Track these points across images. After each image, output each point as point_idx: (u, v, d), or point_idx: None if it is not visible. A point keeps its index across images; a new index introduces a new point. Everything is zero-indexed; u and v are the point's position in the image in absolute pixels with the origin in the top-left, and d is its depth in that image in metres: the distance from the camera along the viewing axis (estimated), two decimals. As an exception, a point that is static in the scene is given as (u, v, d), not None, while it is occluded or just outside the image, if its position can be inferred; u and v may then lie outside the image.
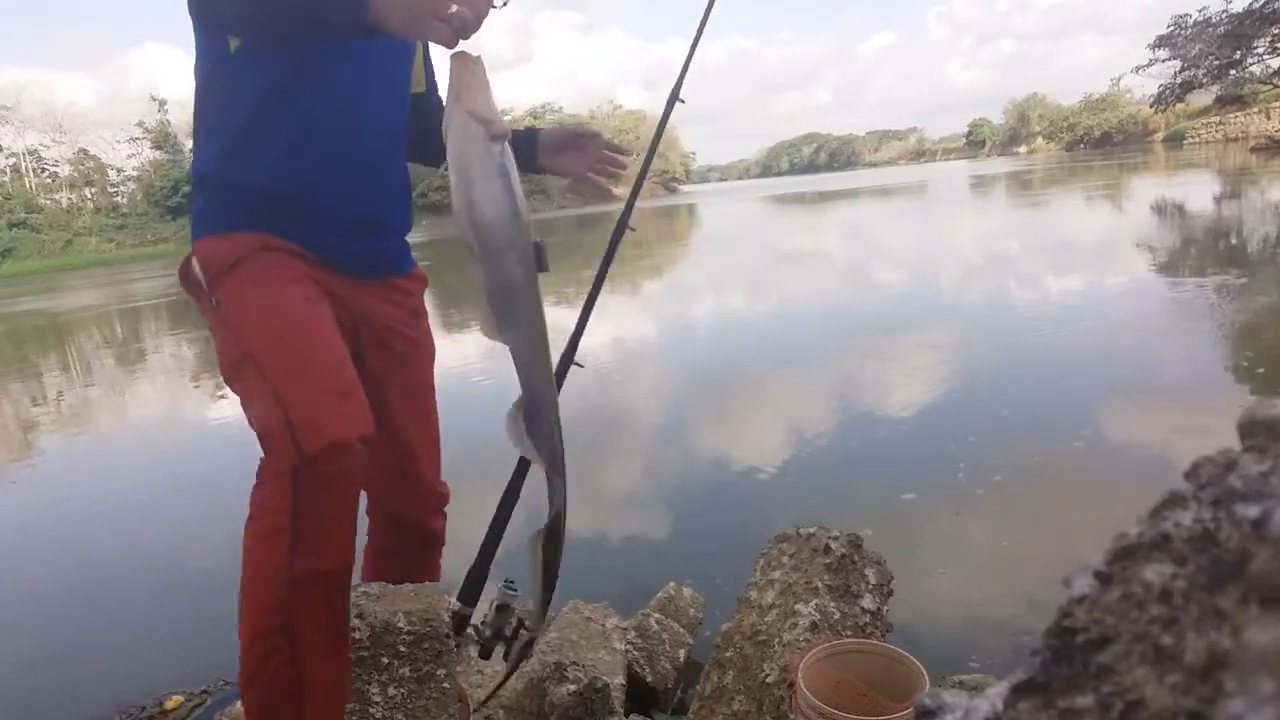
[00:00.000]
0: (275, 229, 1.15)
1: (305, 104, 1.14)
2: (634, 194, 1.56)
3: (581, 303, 1.52)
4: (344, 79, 1.16)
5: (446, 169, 0.93)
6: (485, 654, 1.42)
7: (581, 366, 1.51)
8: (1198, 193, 14.22)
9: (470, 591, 1.42)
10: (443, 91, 1.13)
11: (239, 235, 1.15)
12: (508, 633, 1.38)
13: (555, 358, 1.23)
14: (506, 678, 1.45)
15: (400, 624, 1.40)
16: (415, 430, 1.37)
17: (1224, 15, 41.11)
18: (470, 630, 1.43)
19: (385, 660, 1.37)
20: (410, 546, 1.46)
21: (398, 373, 1.32)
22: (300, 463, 1.02)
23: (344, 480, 1.05)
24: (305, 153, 1.15)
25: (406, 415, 1.34)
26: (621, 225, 1.51)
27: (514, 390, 1.01)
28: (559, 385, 1.42)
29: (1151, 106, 50.75)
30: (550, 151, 1.39)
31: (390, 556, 1.47)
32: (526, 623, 1.36)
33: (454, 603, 1.42)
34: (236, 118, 1.12)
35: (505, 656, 1.43)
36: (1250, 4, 38.92)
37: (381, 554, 1.48)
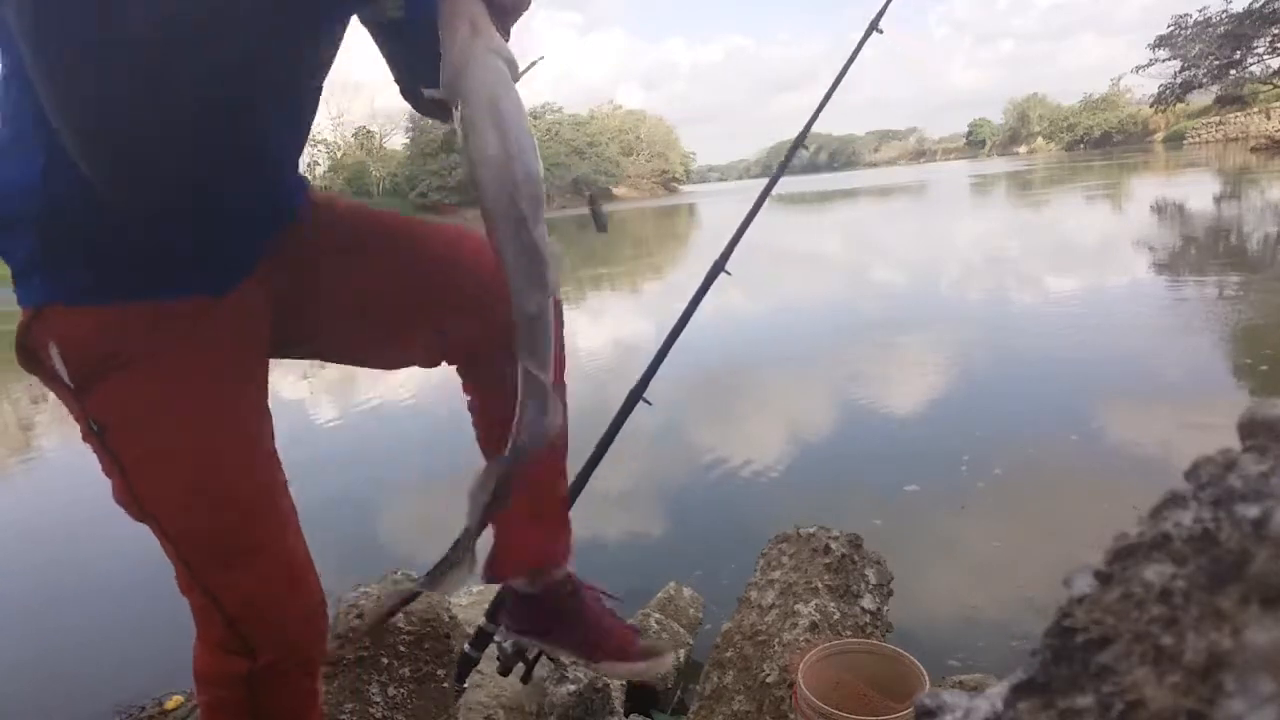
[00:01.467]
0: (155, 284, 0.79)
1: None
2: (738, 234, 1.51)
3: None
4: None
5: (453, 122, 0.73)
6: (504, 671, 1.41)
7: (650, 404, 1.44)
8: (1198, 193, 14.23)
9: (499, 610, 1.40)
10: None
11: (110, 310, 0.78)
12: (530, 655, 1.37)
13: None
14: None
15: (400, 624, 1.40)
16: (416, 263, 0.99)
17: (1224, 15, 41.11)
18: (493, 646, 1.41)
19: (385, 660, 1.38)
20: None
21: (356, 262, 0.97)
22: (257, 668, 0.87)
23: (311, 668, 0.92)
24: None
25: (396, 263, 0.98)
26: (718, 267, 1.48)
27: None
28: (623, 421, 1.40)
29: (1151, 106, 50.77)
30: None
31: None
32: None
33: (481, 620, 1.41)
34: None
35: (524, 678, 1.42)
36: (1250, 4, 38.93)
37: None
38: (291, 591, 0.89)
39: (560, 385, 0.97)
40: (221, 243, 0.85)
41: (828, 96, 1.66)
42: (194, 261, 0.83)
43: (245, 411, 0.88)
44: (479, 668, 1.74)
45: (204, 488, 0.84)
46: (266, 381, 0.94)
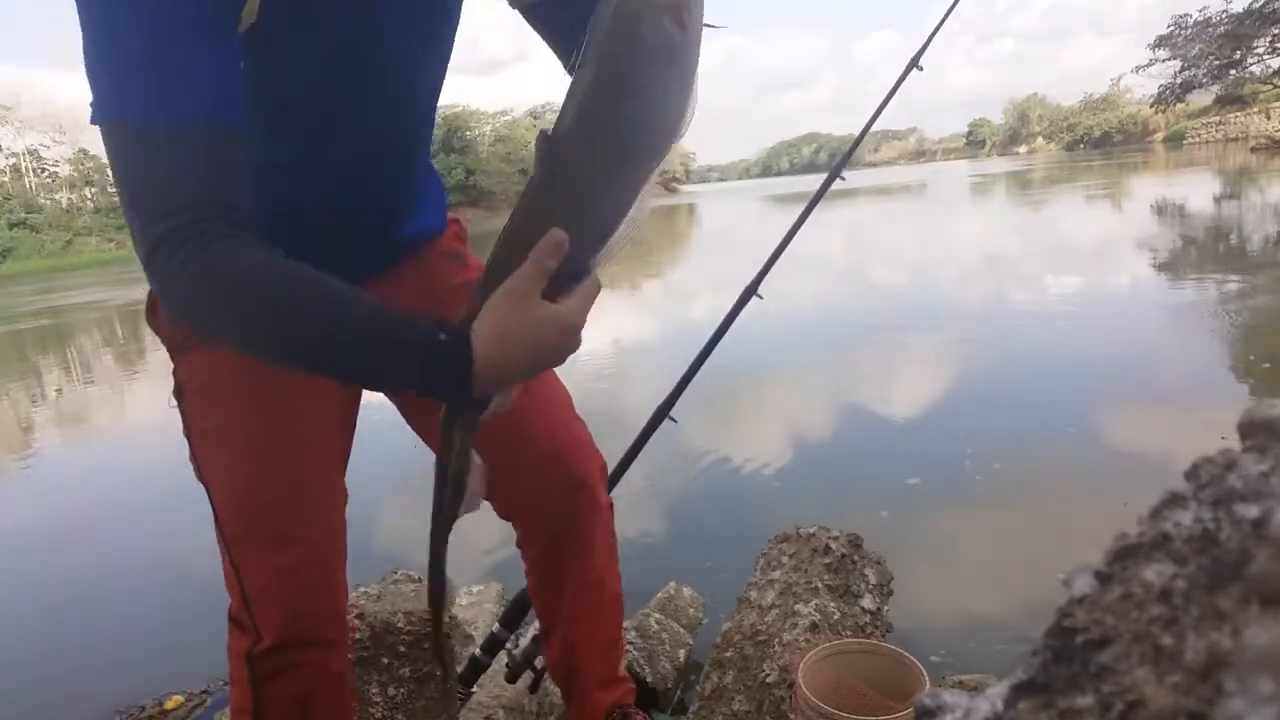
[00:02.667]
0: None
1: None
2: (773, 257, 1.53)
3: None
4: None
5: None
6: (512, 678, 1.41)
7: (675, 421, 1.47)
8: (1197, 193, 14.23)
9: (512, 617, 1.41)
10: None
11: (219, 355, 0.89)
12: (538, 664, 1.37)
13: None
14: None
15: (400, 624, 1.40)
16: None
17: (1224, 15, 41.13)
18: (503, 653, 1.42)
19: (385, 660, 1.38)
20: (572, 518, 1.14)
21: None
22: (256, 651, 0.91)
23: (318, 674, 0.95)
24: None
25: None
26: (750, 290, 1.50)
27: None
28: (647, 438, 1.44)
29: (1151, 106, 50.78)
30: None
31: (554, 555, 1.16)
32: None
33: (495, 626, 1.42)
34: None
35: (531, 687, 1.43)
36: (1250, 4, 38.93)
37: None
38: (311, 590, 0.93)
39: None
40: (342, 257, 0.88)
41: (865, 130, 1.67)
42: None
43: (310, 414, 0.94)
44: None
45: (251, 470, 0.91)
46: (351, 395, 1.02)
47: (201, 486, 0.94)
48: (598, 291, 0.72)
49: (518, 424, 1.01)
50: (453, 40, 0.94)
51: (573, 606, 1.16)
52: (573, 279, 0.72)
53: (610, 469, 1.21)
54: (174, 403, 0.95)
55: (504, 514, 1.14)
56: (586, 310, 0.72)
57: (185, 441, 0.95)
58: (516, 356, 0.69)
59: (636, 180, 0.72)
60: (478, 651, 1.41)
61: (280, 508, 0.91)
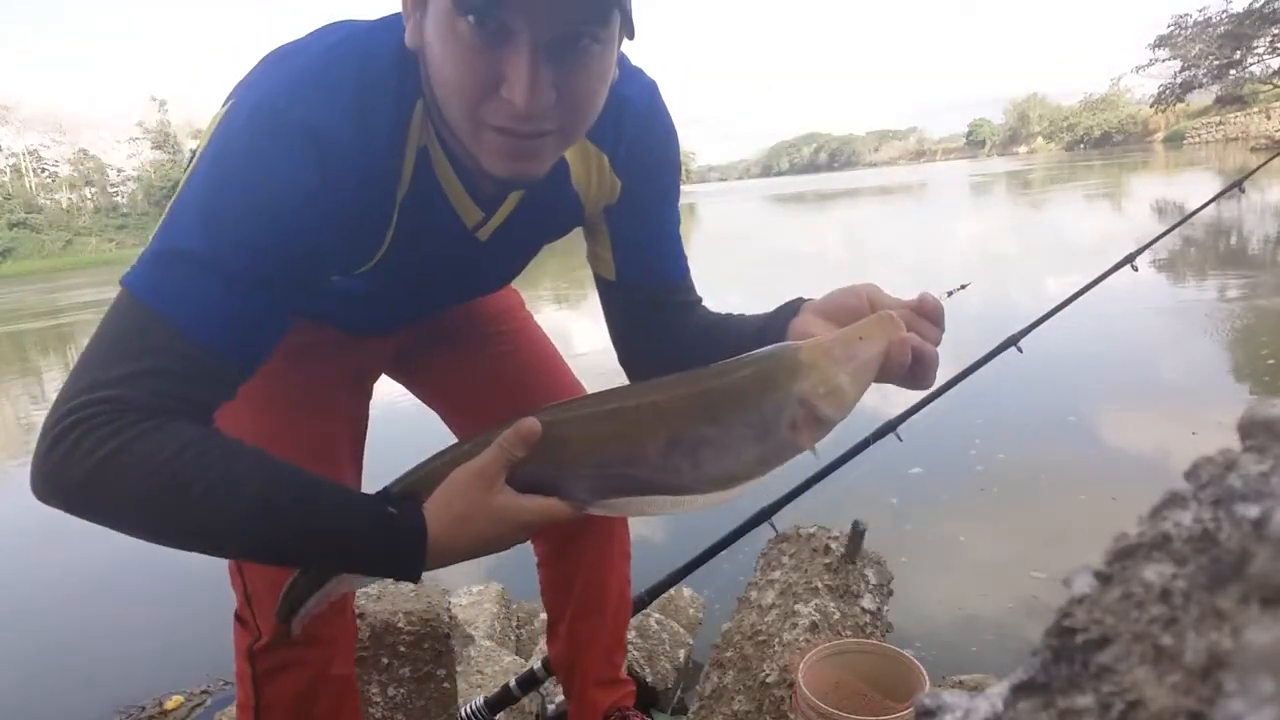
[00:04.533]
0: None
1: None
2: None
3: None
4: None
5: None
6: None
7: (900, 440, 1.49)
8: (1197, 193, 14.22)
9: None
10: (640, 262, 0.90)
11: None
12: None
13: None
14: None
15: (400, 624, 1.40)
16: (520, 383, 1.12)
17: (1224, 15, 41.12)
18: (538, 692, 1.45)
19: (385, 660, 1.38)
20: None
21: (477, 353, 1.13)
22: (256, 647, 0.93)
23: (316, 675, 0.95)
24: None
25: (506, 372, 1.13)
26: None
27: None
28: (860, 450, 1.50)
29: (1151, 106, 50.77)
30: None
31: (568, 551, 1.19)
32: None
33: (536, 664, 1.42)
34: None
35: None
36: (1250, 4, 38.92)
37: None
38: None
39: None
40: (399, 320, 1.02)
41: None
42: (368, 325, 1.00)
43: (321, 419, 0.97)
44: (480, 668, 1.74)
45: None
46: (361, 397, 1.07)
47: None
48: (564, 516, 0.70)
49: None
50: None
51: (579, 603, 1.18)
52: (554, 490, 0.70)
53: None
54: None
55: None
56: (544, 521, 0.70)
57: None
58: (464, 542, 0.68)
59: (669, 487, 0.70)
60: (513, 683, 1.42)
61: None
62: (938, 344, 0.69)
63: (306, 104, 0.65)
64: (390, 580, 1.45)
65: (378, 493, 0.71)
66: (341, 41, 0.70)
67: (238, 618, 0.96)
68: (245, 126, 0.65)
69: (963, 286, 0.81)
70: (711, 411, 0.67)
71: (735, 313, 0.88)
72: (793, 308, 0.78)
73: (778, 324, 0.78)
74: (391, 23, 0.72)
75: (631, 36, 0.69)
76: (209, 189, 0.65)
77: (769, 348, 0.68)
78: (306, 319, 0.95)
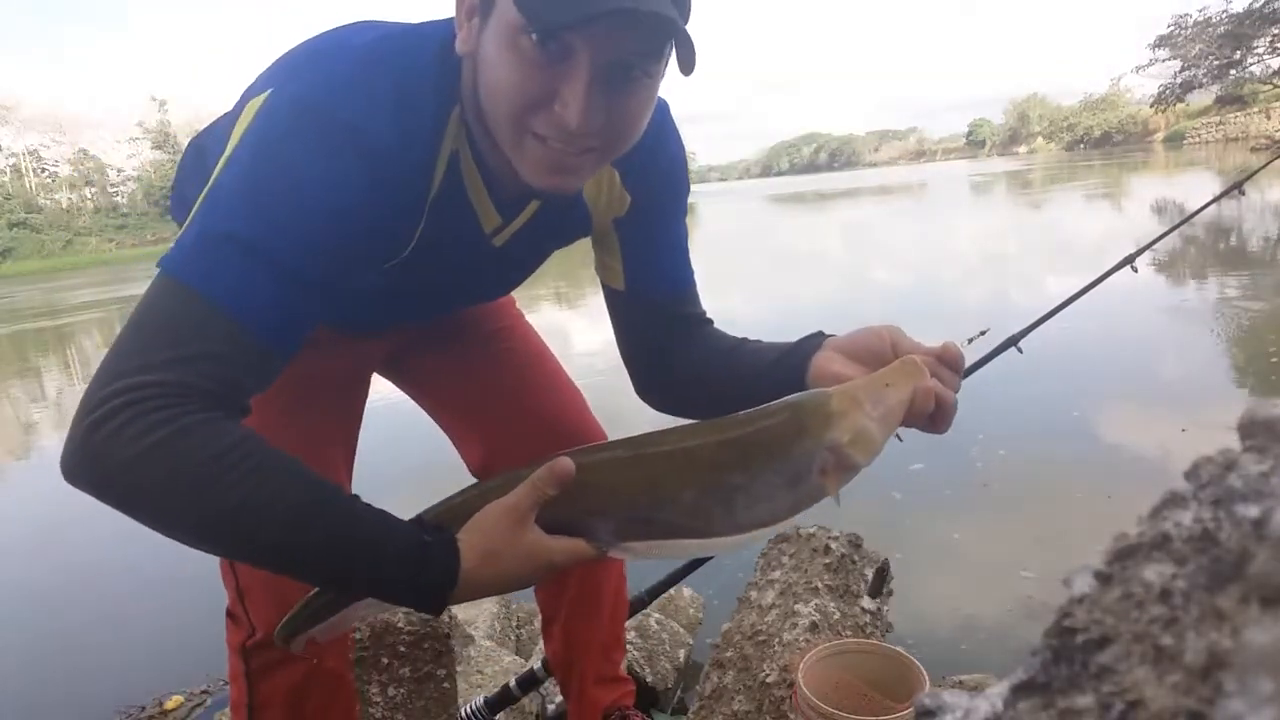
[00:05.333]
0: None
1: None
2: None
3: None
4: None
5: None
6: None
7: (900, 440, 1.53)
8: (1197, 193, 14.22)
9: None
10: (652, 276, 0.92)
11: None
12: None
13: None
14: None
15: (400, 624, 1.40)
16: (516, 381, 1.12)
17: (1224, 15, 41.13)
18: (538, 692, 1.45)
19: (385, 660, 1.38)
20: None
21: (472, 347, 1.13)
22: (250, 644, 0.93)
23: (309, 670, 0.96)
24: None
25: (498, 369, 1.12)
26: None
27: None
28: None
29: (1151, 106, 50.78)
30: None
31: None
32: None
33: (536, 665, 1.42)
34: None
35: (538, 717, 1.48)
36: (1250, 4, 38.93)
37: None
38: (303, 586, 0.92)
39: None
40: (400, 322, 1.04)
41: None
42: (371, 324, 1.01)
43: (315, 418, 0.96)
44: (480, 668, 1.74)
45: None
46: (362, 398, 1.08)
47: None
48: (591, 559, 0.70)
49: (532, 414, 1.10)
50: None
51: (575, 602, 1.18)
52: (579, 531, 0.70)
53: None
54: None
55: None
56: (571, 563, 0.70)
57: None
58: (491, 578, 0.68)
59: (696, 531, 0.69)
60: (513, 683, 1.42)
61: None
62: (957, 392, 0.71)
63: (350, 103, 0.67)
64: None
65: (411, 520, 0.70)
66: (380, 41, 0.71)
67: (229, 614, 0.96)
68: (289, 118, 0.66)
69: (981, 333, 0.84)
70: (743, 459, 0.67)
71: (752, 339, 0.89)
72: (814, 343, 0.79)
73: (797, 358, 0.78)
74: (427, 30, 0.74)
75: (688, 72, 0.68)
76: (254, 176, 0.65)
77: (799, 395, 0.68)
78: None
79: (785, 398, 0.68)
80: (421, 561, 0.65)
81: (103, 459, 0.58)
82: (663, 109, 0.87)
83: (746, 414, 0.68)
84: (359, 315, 0.95)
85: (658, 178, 0.88)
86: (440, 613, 0.69)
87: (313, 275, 0.67)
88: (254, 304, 0.64)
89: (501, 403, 1.11)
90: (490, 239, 0.84)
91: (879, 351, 0.72)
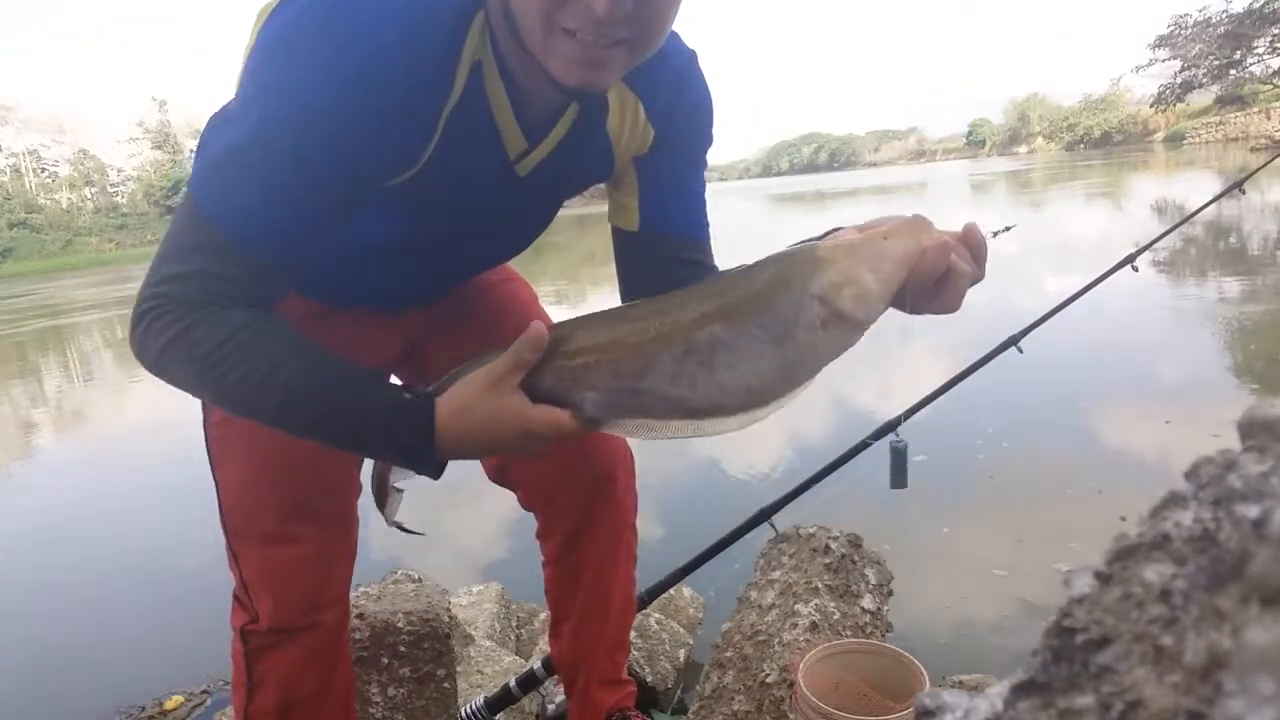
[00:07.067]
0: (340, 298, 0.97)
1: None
2: None
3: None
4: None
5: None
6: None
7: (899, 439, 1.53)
8: (1197, 193, 14.22)
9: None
10: (662, 218, 0.91)
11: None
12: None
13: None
14: None
15: (400, 624, 1.40)
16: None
17: (1224, 15, 41.12)
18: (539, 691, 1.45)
19: (385, 660, 1.38)
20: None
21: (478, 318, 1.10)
22: (250, 628, 0.96)
23: (311, 654, 0.98)
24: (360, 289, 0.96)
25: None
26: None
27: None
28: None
29: (1151, 106, 50.77)
30: None
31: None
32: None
33: (536, 665, 1.42)
34: None
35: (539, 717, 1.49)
36: (1250, 4, 38.92)
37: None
38: (301, 582, 0.96)
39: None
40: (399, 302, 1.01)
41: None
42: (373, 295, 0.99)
43: None
44: (480, 668, 1.74)
45: (253, 469, 0.94)
46: None
47: (210, 474, 0.98)
48: (573, 431, 0.71)
49: None
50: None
51: (585, 603, 1.17)
52: (567, 401, 0.70)
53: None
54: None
55: (527, 505, 1.17)
56: (552, 433, 0.70)
57: (203, 430, 0.98)
58: (473, 434, 0.71)
59: (686, 404, 0.67)
60: (513, 683, 1.42)
61: (277, 509, 0.94)
62: (975, 280, 0.67)
63: (355, 3, 0.66)
64: (391, 580, 1.45)
65: (403, 386, 0.77)
66: None
67: (236, 598, 0.98)
68: (291, 21, 0.66)
69: (1007, 228, 0.79)
70: (725, 312, 0.64)
71: None
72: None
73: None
74: None
75: None
76: (256, 86, 0.67)
77: (786, 249, 0.66)
78: (325, 302, 0.95)
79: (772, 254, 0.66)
80: (398, 416, 0.71)
81: (140, 357, 0.71)
82: (689, 55, 0.86)
83: (730, 271, 0.68)
84: (376, 278, 0.92)
85: (681, 117, 0.87)
86: (431, 472, 0.74)
87: (321, 181, 0.69)
88: (253, 223, 0.68)
89: None
90: (514, 165, 0.81)
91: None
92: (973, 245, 0.66)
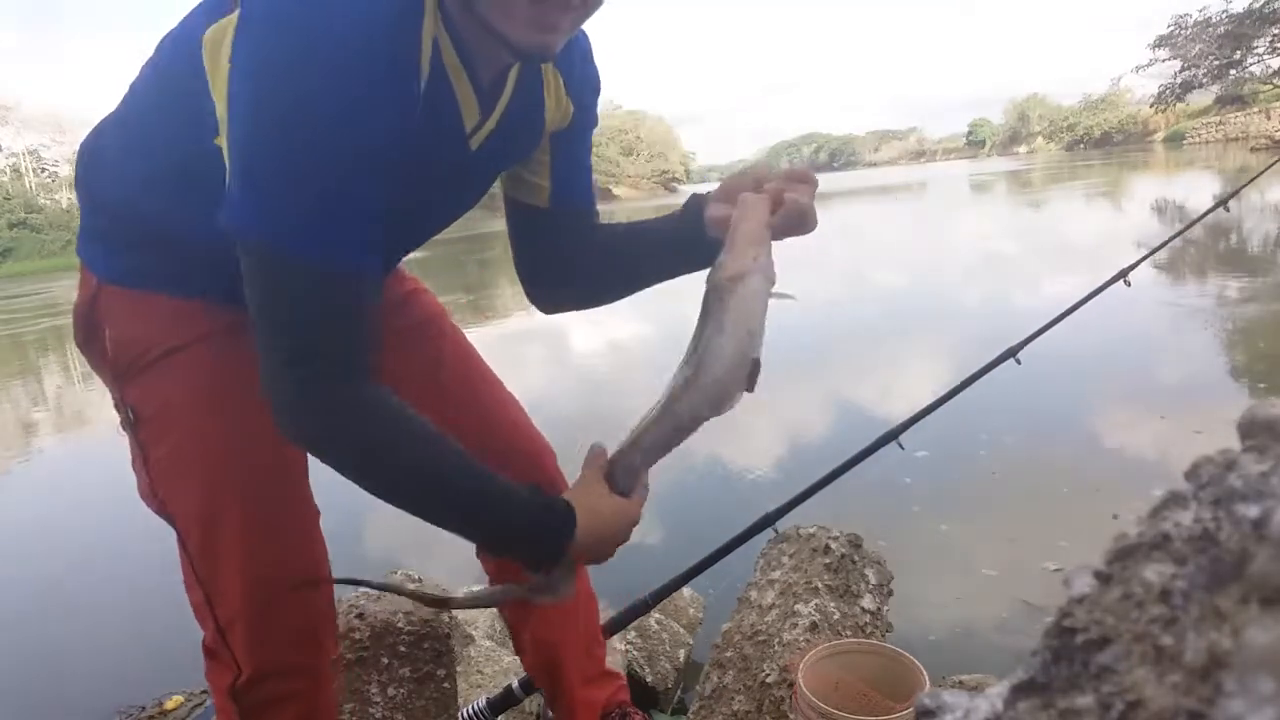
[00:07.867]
0: (226, 290, 0.78)
1: None
2: None
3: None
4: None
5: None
6: None
7: (903, 448, 1.57)
8: (1197, 193, 14.22)
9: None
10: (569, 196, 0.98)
11: (174, 302, 0.85)
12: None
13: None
14: None
15: (400, 624, 1.40)
16: (473, 403, 1.09)
17: (1224, 15, 41.12)
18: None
19: (385, 660, 1.37)
20: None
21: (415, 363, 1.07)
22: (239, 685, 0.88)
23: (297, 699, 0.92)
24: None
25: (454, 394, 1.08)
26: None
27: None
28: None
29: (1151, 106, 50.78)
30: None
31: None
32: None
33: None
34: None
35: None
36: (1250, 4, 38.92)
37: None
38: (287, 608, 0.89)
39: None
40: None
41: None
42: None
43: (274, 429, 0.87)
44: (480, 668, 1.74)
45: (216, 495, 0.86)
46: None
47: (164, 521, 0.89)
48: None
49: (477, 423, 1.06)
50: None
51: (543, 609, 1.13)
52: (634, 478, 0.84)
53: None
54: (124, 432, 0.88)
55: None
56: (641, 508, 0.84)
57: (137, 476, 0.89)
58: (596, 535, 0.80)
59: (699, 420, 0.83)
60: (515, 684, 1.42)
61: (249, 533, 0.87)
62: (811, 198, 0.84)
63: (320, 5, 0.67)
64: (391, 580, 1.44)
65: (525, 486, 0.81)
66: None
67: (208, 651, 0.90)
68: (274, 38, 0.66)
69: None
70: (691, 368, 0.80)
71: (628, 220, 1.01)
72: (698, 203, 0.92)
73: (693, 214, 0.91)
74: None
75: None
76: (252, 97, 0.67)
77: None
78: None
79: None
80: (546, 514, 0.78)
81: (299, 439, 0.75)
82: (587, 36, 0.93)
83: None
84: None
85: (589, 92, 0.95)
86: (557, 563, 0.81)
87: (370, 180, 0.71)
88: (326, 232, 0.70)
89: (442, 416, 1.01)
90: (469, 139, 0.84)
91: (746, 187, 0.85)
92: (798, 176, 0.84)
